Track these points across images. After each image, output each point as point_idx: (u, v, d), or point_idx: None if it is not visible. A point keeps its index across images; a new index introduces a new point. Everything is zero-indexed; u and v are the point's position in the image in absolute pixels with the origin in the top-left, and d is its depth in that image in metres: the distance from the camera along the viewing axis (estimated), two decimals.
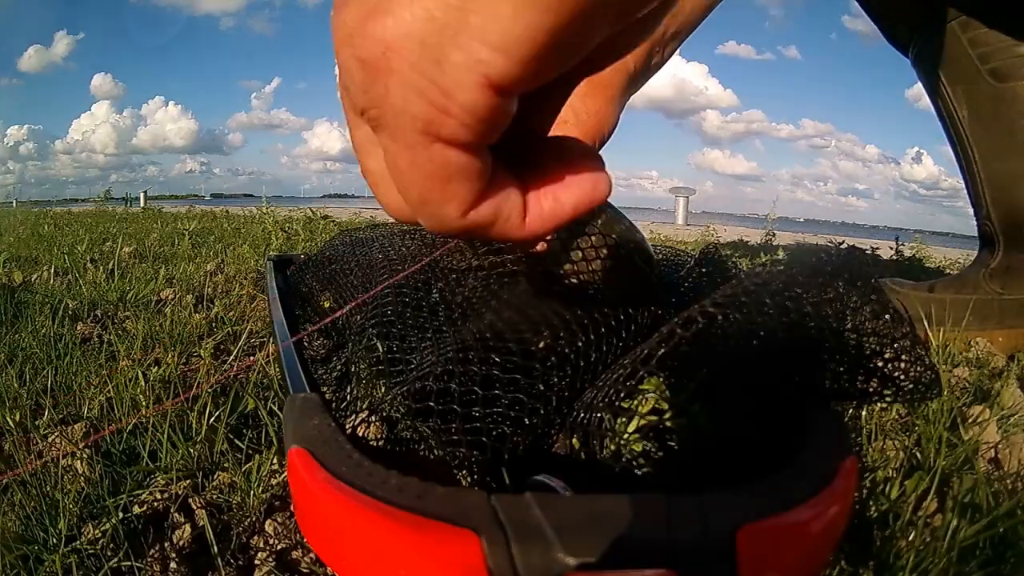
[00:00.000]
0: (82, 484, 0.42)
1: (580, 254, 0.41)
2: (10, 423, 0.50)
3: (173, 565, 0.36)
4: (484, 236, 0.18)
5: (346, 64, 0.15)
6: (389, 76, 0.14)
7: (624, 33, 0.17)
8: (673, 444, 0.28)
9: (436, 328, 0.41)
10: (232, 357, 0.68)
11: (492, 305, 0.40)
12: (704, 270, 0.52)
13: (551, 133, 0.21)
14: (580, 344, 0.34)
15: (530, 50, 0.14)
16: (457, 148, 0.15)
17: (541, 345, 0.34)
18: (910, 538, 0.35)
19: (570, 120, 0.46)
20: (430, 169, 0.16)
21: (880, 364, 0.30)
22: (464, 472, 0.31)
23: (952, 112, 0.78)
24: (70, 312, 0.86)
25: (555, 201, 0.18)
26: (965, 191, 0.82)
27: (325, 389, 0.42)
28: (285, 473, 0.42)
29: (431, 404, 0.31)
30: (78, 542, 0.37)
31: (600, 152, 0.46)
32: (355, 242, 0.73)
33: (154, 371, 0.60)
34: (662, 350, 0.29)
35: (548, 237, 0.38)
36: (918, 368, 0.31)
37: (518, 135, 0.17)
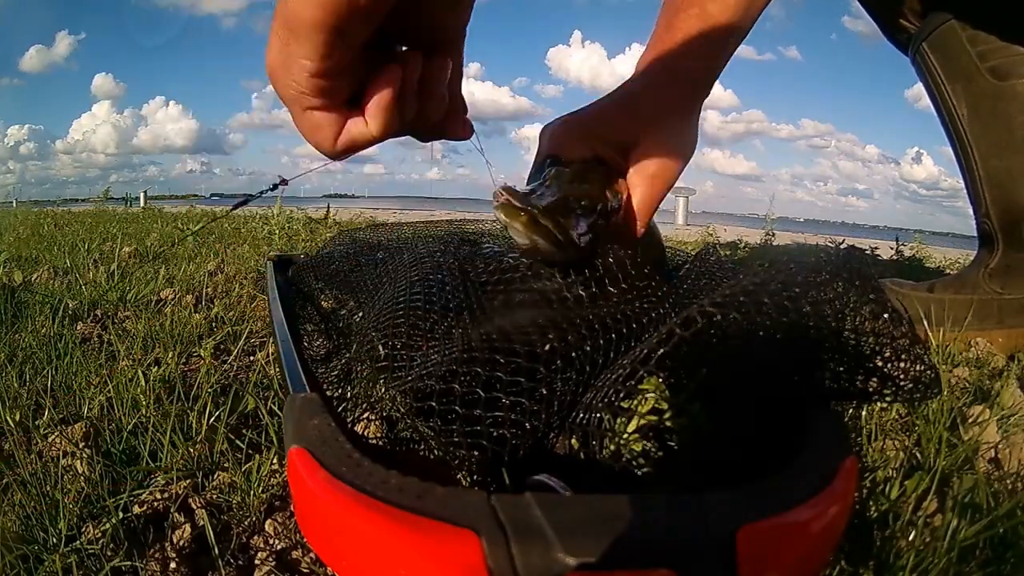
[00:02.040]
0: (82, 484, 0.42)
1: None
2: (10, 423, 0.50)
3: (173, 565, 0.36)
4: (357, 150, 0.32)
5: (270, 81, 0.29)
6: (276, 82, 0.28)
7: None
8: (673, 444, 0.28)
9: (444, 329, 0.41)
10: (232, 357, 0.68)
11: (499, 307, 0.40)
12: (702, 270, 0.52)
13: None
14: (586, 347, 0.34)
15: (323, 54, 0.26)
16: (316, 110, 0.29)
17: (546, 347, 0.34)
18: (910, 538, 0.35)
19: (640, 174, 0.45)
20: (307, 124, 0.30)
21: (879, 363, 0.30)
22: (464, 472, 0.31)
23: (951, 110, 0.78)
24: (70, 312, 0.86)
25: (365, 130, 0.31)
26: (965, 191, 0.82)
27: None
28: (285, 473, 0.42)
29: (432, 404, 0.31)
30: (78, 542, 0.37)
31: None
32: (357, 243, 0.73)
33: (154, 371, 0.60)
34: (661, 350, 0.29)
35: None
36: (917, 367, 0.31)
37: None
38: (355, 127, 0.30)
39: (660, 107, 0.45)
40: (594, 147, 0.45)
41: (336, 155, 0.32)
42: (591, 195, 0.40)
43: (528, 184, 0.43)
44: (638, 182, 0.44)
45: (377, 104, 0.30)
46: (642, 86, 0.47)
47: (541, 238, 0.37)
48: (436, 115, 0.33)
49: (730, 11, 0.47)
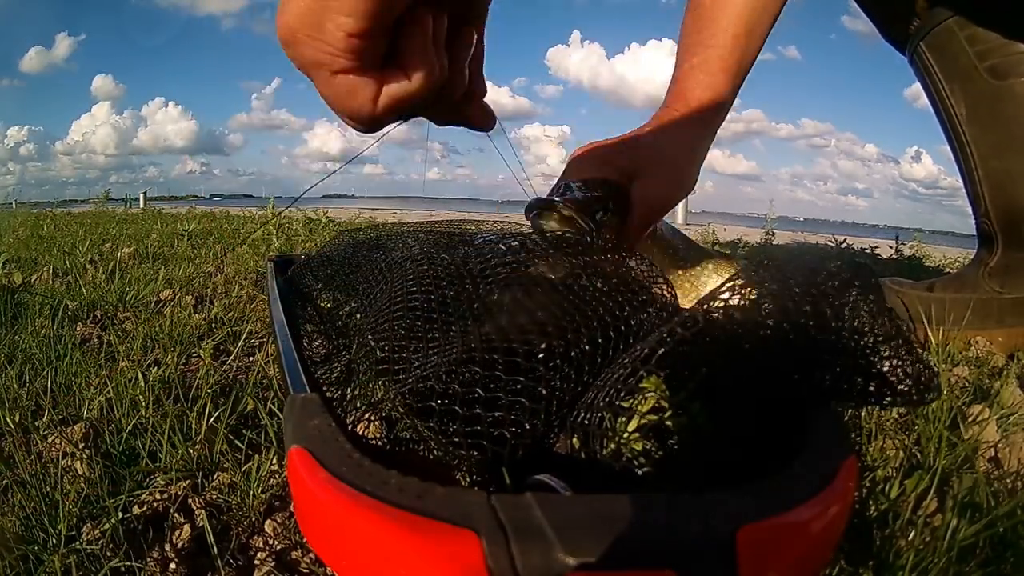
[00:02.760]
0: (82, 485, 0.42)
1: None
2: (10, 423, 0.50)
3: (173, 565, 0.36)
4: (397, 114, 0.29)
5: (282, 47, 0.26)
6: (298, 45, 0.25)
7: None
8: (673, 444, 0.28)
9: (442, 328, 0.41)
10: (232, 357, 0.68)
11: (497, 305, 0.40)
12: None
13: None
14: (584, 345, 0.34)
15: (367, 12, 0.24)
16: (350, 73, 0.26)
17: (543, 346, 0.34)
18: (910, 537, 0.35)
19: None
20: (339, 89, 0.27)
21: (878, 367, 0.30)
22: (464, 472, 0.31)
23: (950, 110, 0.78)
24: (70, 313, 0.86)
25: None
26: (964, 190, 0.82)
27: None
28: (285, 473, 0.42)
29: (432, 404, 0.31)
30: (78, 542, 0.37)
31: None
32: (357, 243, 0.73)
33: (154, 372, 0.60)
34: (662, 349, 0.29)
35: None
36: (916, 368, 0.31)
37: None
38: (394, 85, 0.27)
39: (658, 148, 0.54)
40: (605, 172, 0.53)
41: (376, 119, 0.28)
42: (599, 200, 0.51)
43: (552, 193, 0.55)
44: (635, 205, 0.52)
45: (419, 51, 0.27)
46: (648, 129, 0.56)
47: (569, 227, 0.48)
48: (459, 89, 0.31)
49: (728, 53, 0.56)
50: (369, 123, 0.29)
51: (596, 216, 0.50)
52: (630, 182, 0.53)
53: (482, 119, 0.35)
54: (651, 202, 0.53)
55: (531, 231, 0.51)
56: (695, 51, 0.56)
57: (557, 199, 0.49)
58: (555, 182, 0.56)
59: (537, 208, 0.49)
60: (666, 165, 0.54)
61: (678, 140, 0.55)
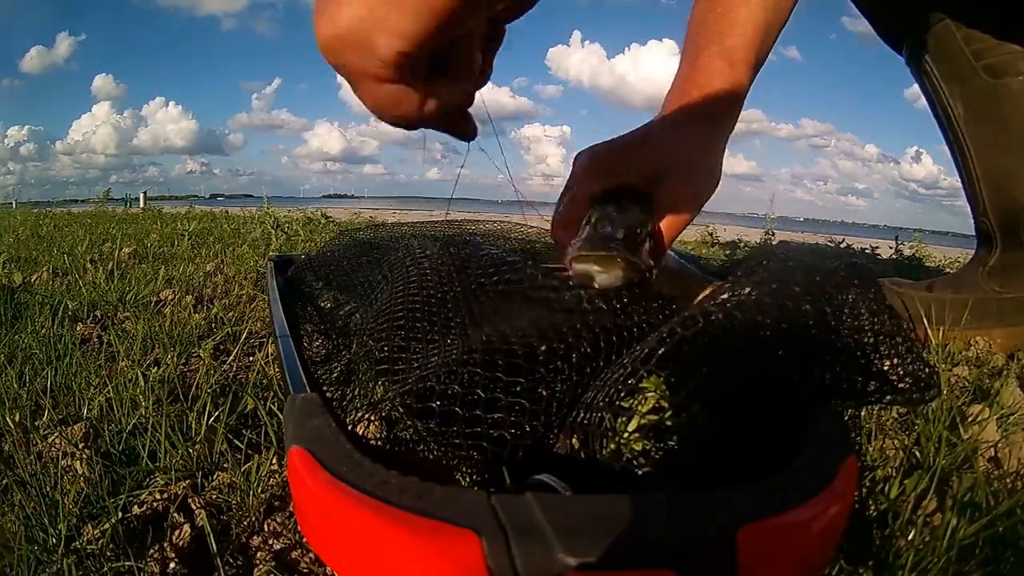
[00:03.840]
0: (82, 485, 0.42)
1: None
2: (10, 423, 0.50)
3: (173, 565, 0.36)
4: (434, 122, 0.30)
5: (323, 53, 0.26)
6: (345, 55, 0.25)
7: None
8: (673, 444, 0.28)
9: (442, 329, 0.41)
10: (232, 357, 0.68)
11: (497, 308, 0.40)
12: None
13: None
14: (583, 347, 0.34)
15: (419, 36, 0.23)
16: (396, 83, 0.26)
17: (543, 348, 0.34)
18: (909, 537, 0.35)
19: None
20: (383, 98, 0.27)
21: (879, 365, 0.30)
22: (464, 472, 0.31)
23: (947, 109, 0.78)
24: (70, 313, 0.86)
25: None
26: (963, 190, 0.82)
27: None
28: (284, 473, 0.42)
29: (432, 405, 0.31)
30: (78, 543, 0.37)
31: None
32: (357, 243, 0.73)
33: (154, 371, 0.60)
34: (662, 349, 0.29)
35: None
36: (916, 367, 0.31)
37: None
38: (442, 92, 0.28)
39: (680, 144, 0.48)
40: (625, 178, 0.47)
41: (420, 123, 0.29)
42: (644, 223, 0.43)
43: (561, 204, 0.48)
44: (665, 211, 0.46)
45: (468, 62, 0.28)
46: (661, 126, 0.49)
47: (635, 274, 0.40)
48: (478, 87, 0.31)
49: (748, 44, 0.51)
50: (411, 127, 0.29)
51: (646, 244, 0.42)
52: (649, 183, 0.47)
53: (466, 127, 0.34)
54: (681, 207, 0.47)
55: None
56: (713, 40, 0.52)
57: (613, 245, 0.40)
58: (563, 188, 0.49)
59: (591, 257, 0.40)
60: (692, 164, 0.48)
61: (701, 134, 0.49)
